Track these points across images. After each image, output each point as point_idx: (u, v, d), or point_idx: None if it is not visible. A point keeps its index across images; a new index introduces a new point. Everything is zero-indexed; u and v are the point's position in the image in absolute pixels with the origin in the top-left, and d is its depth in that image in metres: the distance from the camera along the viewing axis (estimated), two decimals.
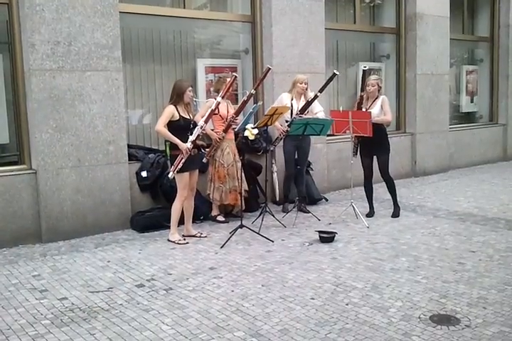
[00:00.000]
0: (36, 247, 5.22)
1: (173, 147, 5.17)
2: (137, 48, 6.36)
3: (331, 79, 6.17)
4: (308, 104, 6.16)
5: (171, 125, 5.11)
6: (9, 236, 5.20)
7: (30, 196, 5.29)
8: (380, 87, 6.11)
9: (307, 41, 7.24)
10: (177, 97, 5.15)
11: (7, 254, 5.00)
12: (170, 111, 5.10)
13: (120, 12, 5.69)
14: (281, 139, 6.30)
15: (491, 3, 10.71)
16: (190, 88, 5.24)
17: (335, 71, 6.12)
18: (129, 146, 5.97)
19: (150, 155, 6.01)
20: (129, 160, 5.88)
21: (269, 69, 5.77)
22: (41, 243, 5.32)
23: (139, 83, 6.42)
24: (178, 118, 5.12)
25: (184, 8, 6.62)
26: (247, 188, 6.07)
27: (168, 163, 5.33)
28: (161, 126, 5.08)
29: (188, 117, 5.24)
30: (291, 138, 6.19)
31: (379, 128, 5.93)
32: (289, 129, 6.11)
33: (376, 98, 6.04)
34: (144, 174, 5.92)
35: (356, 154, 6.17)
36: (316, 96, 6.15)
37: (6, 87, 5.40)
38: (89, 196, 5.55)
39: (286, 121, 6.18)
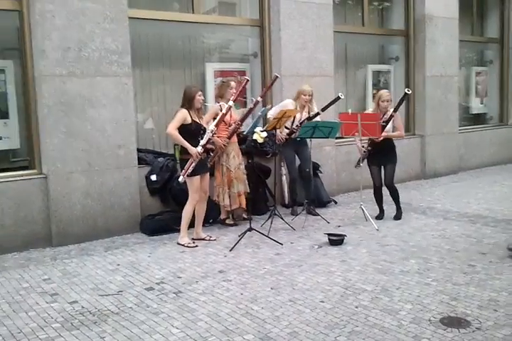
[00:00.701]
0: (47, 251, 5.26)
1: (184, 151, 5.21)
2: (147, 53, 6.41)
3: (334, 101, 6.17)
4: (309, 119, 6.19)
5: (183, 129, 5.15)
6: (20, 241, 5.24)
7: (40, 200, 5.33)
8: (391, 102, 6.12)
9: (316, 44, 7.25)
10: (188, 103, 5.20)
11: (18, 258, 5.05)
12: (183, 115, 5.14)
13: (129, 18, 5.73)
14: (279, 145, 6.33)
15: (500, 5, 10.67)
16: (200, 92, 5.27)
17: (340, 95, 6.12)
18: (139, 150, 6.01)
19: (159, 159, 6.04)
20: (138, 164, 5.91)
21: (277, 77, 5.77)
22: (51, 247, 5.36)
23: (149, 88, 6.47)
24: (190, 122, 5.16)
25: (193, 13, 6.66)
26: (248, 190, 6.07)
27: (178, 166, 5.38)
28: (173, 130, 5.12)
29: (200, 122, 5.29)
30: (289, 142, 6.24)
31: (388, 139, 5.96)
32: (287, 137, 6.17)
33: (387, 112, 6.02)
34: (153, 178, 5.95)
35: (361, 164, 6.14)
36: (317, 114, 6.18)
37: (17, 92, 5.47)
38: (99, 200, 5.59)
39: (286, 128, 6.19)
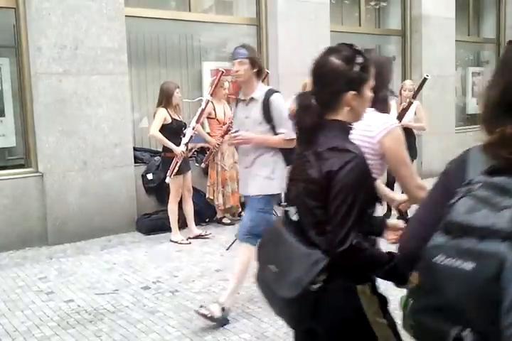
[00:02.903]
0: (43, 249, 5.24)
1: (165, 149, 5.25)
2: (143, 52, 6.39)
3: None
4: None
5: (164, 128, 5.17)
6: (16, 239, 5.22)
7: (36, 199, 5.31)
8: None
9: (312, 44, 7.22)
10: (166, 100, 5.20)
11: (14, 257, 5.02)
12: (162, 115, 5.17)
13: (126, 16, 5.72)
14: None
15: (496, 5, 10.70)
16: (178, 89, 5.28)
17: None
18: (135, 149, 6.00)
19: (156, 158, 6.03)
20: (134, 162, 5.90)
21: (267, 73, 5.78)
22: (47, 245, 5.34)
23: (145, 86, 6.45)
24: (170, 121, 5.19)
25: (190, 11, 6.65)
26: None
27: (159, 166, 5.56)
28: (155, 131, 5.17)
29: (180, 119, 5.31)
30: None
31: (409, 132, 5.93)
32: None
33: (410, 103, 6.02)
34: (149, 176, 5.94)
35: None
36: None
37: (13, 90, 5.45)
38: (95, 198, 5.57)
39: None
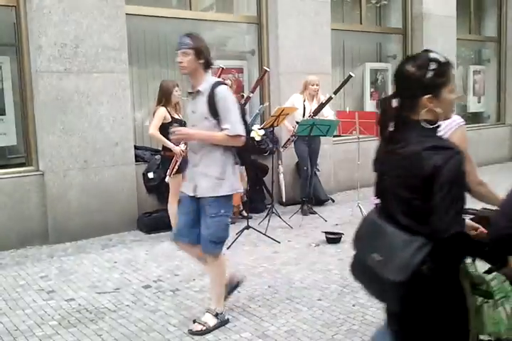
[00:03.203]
0: (43, 248, 5.24)
1: (165, 148, 5.24)
2: (144, 50, 6.39)
3: (346, 81, 6.10)
4: (322, 106, 6.13)
5: (164, 127, 5.13)
6: (16, 238, 5.22)
7: (37, 197, 5.31)
8: None
9: (313, 42, 7.23)
10: (165, 99, 5.18)
11: (14, 255, 5.03)
12: (162, 114, 5.15)
13: (127, 14, 5.71)
14: (292, 141, 6.29)
15: (498, 3, 10.67)
16: (177, 88, 5.26)
17: (350, 73, 6.06)
18: (136, 147, 5.99)
19: (156, 157, 6.02)
20: (135, 161, 5.90)
21: (266, 71, 5.77)
22: (48, 244, 5.34)
23: (146, 85, 6.45)
24: (170, 120, 5.17)
25: (190, 9, 6.64)
26: (247, 188, 6.05)
27: (160, 165, 5.53)
28: (154, 130, 5.14)
29: (179, 118, 5.28)
30: (301, 138, 6.20)
31: None
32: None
33: None
34: (150, 175, 5.93)
35: None
36: (330, 98, 6.09)
37: (13, 88, 5.44)
38: (95, 197, 5.57)
39: (297, 122, 6.16)
